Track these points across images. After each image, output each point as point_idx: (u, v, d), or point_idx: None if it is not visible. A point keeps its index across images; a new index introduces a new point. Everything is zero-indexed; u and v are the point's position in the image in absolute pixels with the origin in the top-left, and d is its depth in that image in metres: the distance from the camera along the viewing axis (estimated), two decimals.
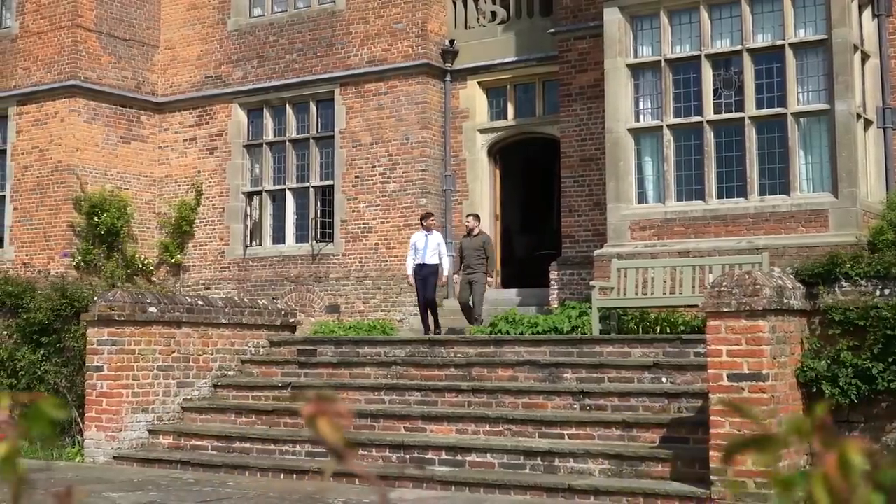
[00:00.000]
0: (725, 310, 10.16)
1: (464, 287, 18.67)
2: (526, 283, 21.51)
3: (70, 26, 23.38)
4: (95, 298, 13.74)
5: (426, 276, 18.65)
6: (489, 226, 21.75)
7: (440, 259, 18.79)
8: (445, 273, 19.09)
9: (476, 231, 18.88)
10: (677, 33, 17.85)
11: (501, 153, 22.30)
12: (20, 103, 24.08)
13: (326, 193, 22.83)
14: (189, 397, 14.08)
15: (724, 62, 17.56)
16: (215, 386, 14.34)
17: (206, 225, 24.03)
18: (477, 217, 19.39)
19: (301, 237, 23.10)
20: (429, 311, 18.72)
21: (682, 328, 16.10)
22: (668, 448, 10.84)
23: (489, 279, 18.79)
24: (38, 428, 1.41)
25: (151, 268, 23.90)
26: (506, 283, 21.94)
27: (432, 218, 19.36)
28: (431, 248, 18.75)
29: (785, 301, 10.56)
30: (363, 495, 11.05)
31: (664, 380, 11.96)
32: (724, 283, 10.30)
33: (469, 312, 18.63)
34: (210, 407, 13.91)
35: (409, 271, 18.86)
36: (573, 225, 19.86)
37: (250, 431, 13.22)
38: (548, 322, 17.66)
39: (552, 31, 20.39)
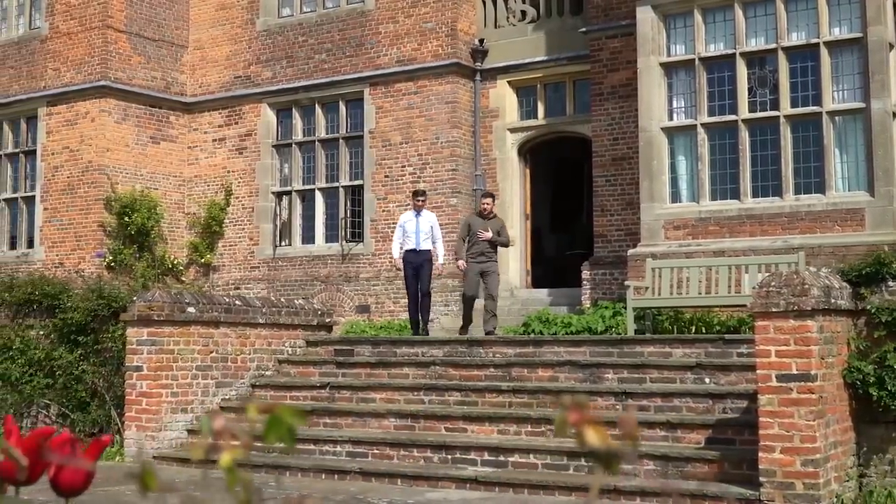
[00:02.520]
0: (774, 310, 10.10)
1: (472, 279, 16.23)
2: (556, 282, 21.47)
3: (100, 27, 23.43)
4: (134, 298, 13.75)
5: (420, 264, 16.48)
6: (519, 225, 21.71)
7: (434, 244, 16.65)
8: (440, 261, 16.75)
9: (492, 213, 16.72)
10: (711, 31, 17.79)
11: (531, 152, 22.26)
12: (50, 104, 24.14)
13: (356, 193, 22.83)
14: (227, 397, 14.08)
15: (759, 60, 17.49)
16: (253, 386, 14.33)
17: (235, 225, 24.05)
18: (492, 196, 17.31)
19: (331, 237, 23.10)
20: (419, 307, 16.58)
21: (718, 328, 16.04)
22: (715, 449, 10.78)
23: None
24: (278, 435, 1.39)
25: (181, 268, 23.94)
26: (536, 283, 21.89)
27: (423, 196, 17.19)
28: (424, 230, 16.57)
29: (832, 301, 10.50)
30: (406, 496, 11.03)
31: (707, 380, 11.90)
32: (773, 283, 10.24)
33: (470, 310, 16.43)
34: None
35: (396, 254, 16.76)
36: (605, 224, 19.80)
37: None
38: (581, 322, 17.63)
39: (583, 30, 20.34)
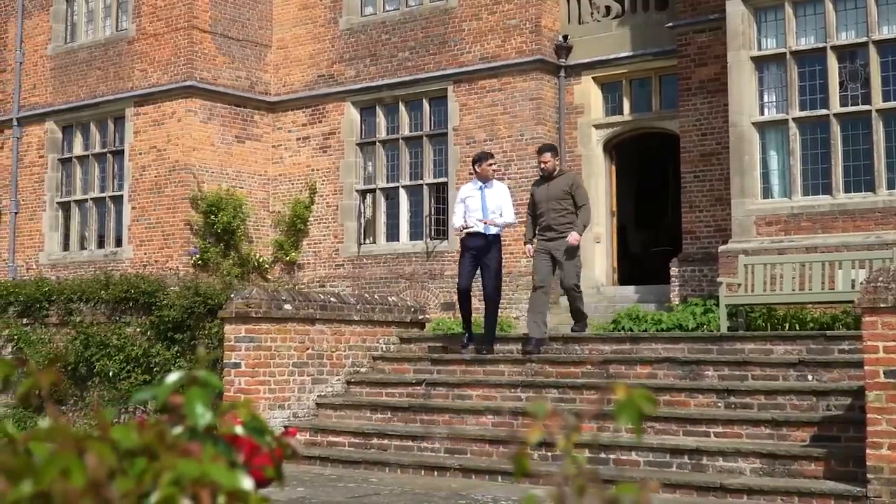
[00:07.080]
0: (882, 305, 9.97)
1: (541, 262, 12.92)
2: (641, 279, 21.37)
3: (186, 28, 23.71)
4: (232, 296, 13.88)
5: (480, 250, 12.96)
6: (605, 222, 21.60)
7: (502, 222, 12.99)
8: (508, 220, 13.07)
9: (556, 171, 12.97)
10: (802, 25, 17.63)
11: (616, 149, 22.17)
12: (137, 104, 24.47)
13: (440, 191, 22.89)
14: (323, 394, 14.18)
15: (850, 54, 17.30)
16: (348, 383, 14.41)
17: (319, 223, 24.22)
18: (553, 149, 13.36)
19: (415, 234, 23.18)
20: (485, 312, 13.66)
21: (811, 325, 15.89)
22: (821, 446, 10.68)
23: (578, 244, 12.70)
24: (629, 417, 1.41)
25: (266, 266, 24.16)
26: (622, 280, 21.80)
27: (491, 160, 13.31)
28: (491, 208, 12.85)
29: None
30: (509, 492, 11.03)
31: (810, 377, 11.78)
32: (881, 279, 10.12)
33: (545, 306, 13.22)
34: (344, 403, 13.98)
35: (458, 223, 13.08)
36: (694, 221, 19.67)
37: (387, 428, 13.27)
38: (672, 319, 17.53)
39: (670, 24, 20.22)
